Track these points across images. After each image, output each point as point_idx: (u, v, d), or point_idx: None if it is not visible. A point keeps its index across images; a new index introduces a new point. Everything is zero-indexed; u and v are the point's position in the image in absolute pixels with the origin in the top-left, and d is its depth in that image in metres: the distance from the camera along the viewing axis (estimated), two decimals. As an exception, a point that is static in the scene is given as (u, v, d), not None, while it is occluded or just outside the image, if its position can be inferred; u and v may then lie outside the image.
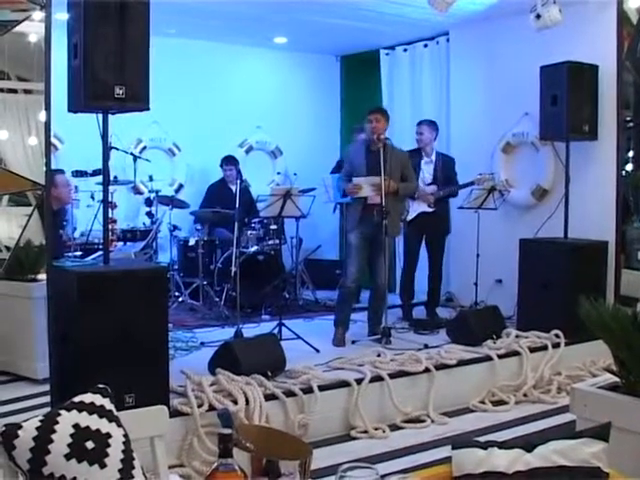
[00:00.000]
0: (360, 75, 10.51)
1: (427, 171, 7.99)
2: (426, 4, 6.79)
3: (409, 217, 7.92)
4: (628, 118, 7.70)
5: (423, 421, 5.77)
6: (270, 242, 8.68)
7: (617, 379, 3.83)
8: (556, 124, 7.23)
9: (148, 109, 4.75)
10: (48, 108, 4.50)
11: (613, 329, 3.70)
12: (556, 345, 6.81)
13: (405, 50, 9.72)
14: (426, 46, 9.48)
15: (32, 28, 4.63)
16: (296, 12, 7.96)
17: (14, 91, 5.04)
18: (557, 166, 7.81)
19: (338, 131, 10.74)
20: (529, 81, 7.50)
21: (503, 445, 2.47)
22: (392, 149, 7.01)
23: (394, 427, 5.65)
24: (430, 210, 7.89)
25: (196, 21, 8.35)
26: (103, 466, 2.30)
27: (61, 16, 4.59)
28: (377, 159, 6.78)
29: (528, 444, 2.44)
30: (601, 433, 2.45)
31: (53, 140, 6.24)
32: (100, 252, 6.46)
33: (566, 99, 7.12)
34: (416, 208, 7.90)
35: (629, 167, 7.77)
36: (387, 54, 9.94)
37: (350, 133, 9.44)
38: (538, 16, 6.90)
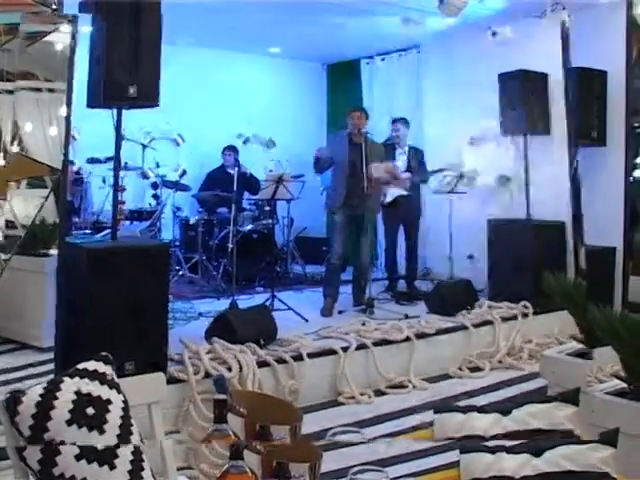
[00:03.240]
0: (344, 80, 10.82)
1: (402, 161, 8.23)
2: (398, 20, 6.93)
3: (387, 200, 8.06)
4: (637, 124, 7.44)
5: (405, 387, 5.72)
6: (264, 222, 8.76)
7: (625, 385, 3.70)
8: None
9: (157, 105, 4.87)
10: (69, 104, 4.61)
11: (622, 336, 3.56)
12: (525, 315, 6.82)
13: (383, 59, 10.04)
14: (400, 56, 9.79)
15: (58, 38, 4.77)
16: (288, 25, 8.17)
17: (39, 90, 5.15)
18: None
19: (324, 128, 10.95)
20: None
21: (482, 409, 2.39)
22: (371, 143, 7.25)
23: (379, 392, 5.59)
24: (405, 194, 8.04)
25: (205, 32, 8.56)
26: (102, 432, 2.20)
27: (85, 29, 4.72)
28: (358, 150, 6.99)
29: (536, 448, 2.35)
30: (610, 439, 2.37)
31: (73, 132, 6.41)
32: (109, 230, 6.46)
33: (574, 104, 7.12)
34: (393, 192, 8.04)
35: (637, 173, 7.53)
36: (367, 63, 10.30)
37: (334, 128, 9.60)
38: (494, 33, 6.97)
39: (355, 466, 1.90)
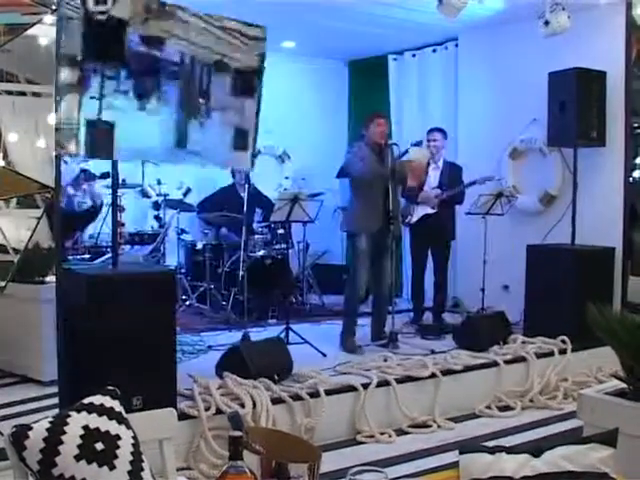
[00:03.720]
0: (368, 80, 10.42)
1: (434, 176, 8.01)
2: (435, 9, 6.78)
3: (413, 220, 7.96)
4: (636, 125, 7.69)
5: (429, 426, 5.77)
6: (277, 246, 8.63)
7: (624, 385, 3.84)
8: (564, 130, 7.23)
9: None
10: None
11: (620, 335, 3.71)
12: (563, 351, 6.79)
13: (414, 55, 9.69)
14: (435, 51, 9.45)
15: (42, 31, 4.63)
16: (304, 16, 7.89)
17: (23, 94, 5.04)
18: (565, 172, 7.82)
19: (345, 136, 10.61)
20: (537, 87, 7.48)
21: (511, 450, 2.47)
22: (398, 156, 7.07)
23: (400, 432, 5.64)
24: (432, 212, 7.88)
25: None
26: (112, 468, 2.30)
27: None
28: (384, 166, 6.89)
29: (536, 449, 2.44)
30: (609, 439, 2.45)
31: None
32: (108, 255, 6.44)
33: (574, 105, 7.12)
34: (420, 212, 7.93)
35: (637, 174, 7.76)
36: (395, 59, 9.91)
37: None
38: (546, 22, 6.88)
39: (355, 466, 1.99)
